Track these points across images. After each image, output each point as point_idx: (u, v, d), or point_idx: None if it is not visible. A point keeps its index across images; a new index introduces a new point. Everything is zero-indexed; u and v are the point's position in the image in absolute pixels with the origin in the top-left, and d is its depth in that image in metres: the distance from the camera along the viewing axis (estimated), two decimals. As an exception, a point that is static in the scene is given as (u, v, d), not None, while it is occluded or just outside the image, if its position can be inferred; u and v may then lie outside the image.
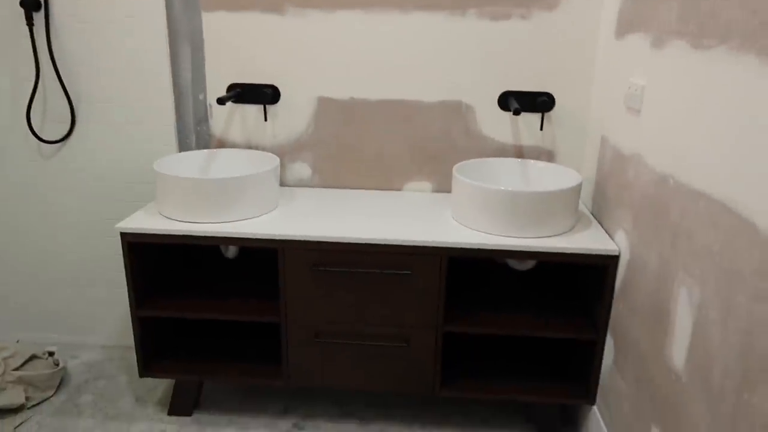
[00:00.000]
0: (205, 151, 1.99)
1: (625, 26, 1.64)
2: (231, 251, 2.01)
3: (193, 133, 2.06)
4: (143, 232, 1.69)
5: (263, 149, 2.06)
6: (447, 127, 2.00)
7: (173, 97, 2.00)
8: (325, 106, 2.00)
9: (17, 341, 2.21)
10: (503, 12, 1.86)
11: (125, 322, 2.28)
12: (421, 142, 2.02)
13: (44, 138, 2.04)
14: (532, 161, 1.93)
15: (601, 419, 1.70)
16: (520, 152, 2.01)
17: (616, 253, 1.59)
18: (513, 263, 1.93)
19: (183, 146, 2.07)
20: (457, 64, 1.93)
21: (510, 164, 1.94)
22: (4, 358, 1.96)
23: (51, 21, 1.92)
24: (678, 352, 1.22)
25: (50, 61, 1.95)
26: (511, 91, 1.94)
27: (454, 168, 1.77)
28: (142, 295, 1.81)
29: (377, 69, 1.95)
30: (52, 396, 2.02)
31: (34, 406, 1.97)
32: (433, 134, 2.01)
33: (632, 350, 1.49)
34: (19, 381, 1.94)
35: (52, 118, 2.04)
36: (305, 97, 1.99)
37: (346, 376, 1.82)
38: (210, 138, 2.07)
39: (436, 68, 1.94)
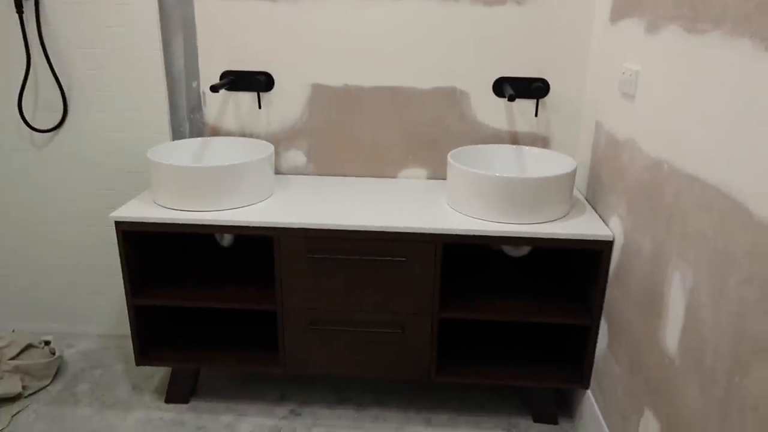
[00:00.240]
0: (199, 139, 1.99)
1: (619, 11, 1.63)
2: (226, 239, 2.01)
3: (187, 121, 2.05)
4: (138, 220, 1.69)
5: (257, 137, 2.05)
6: (442, 114, 1.99)
7: (166, 84, 1.99)
8: (319, 93, 1.99)
9: (13, 331, 2.21)
10: (498, -3, 1.85)
11: (121, 311, 2.28)
12: (416, 128, 2.01)
13: (36, 127, 2.03)
14: (526, 147, 1.93)
15: (595, 403, 1.72)
16: (515, 138, 2.01)
17: (611, 239, 1.60)
18: (508, 249, 1.94)
19: (177, 134, 2.06)
20: (452, 51, 1.92)
21: (505, 150, 1.94)
22: (0, 348, 1.96)
23: (41, 8, 1.90)
24: (671, 335, 1.23)
25: (41, 50, 1.93)
26: (505, 77, 1.94)
27: (449, 155, 1.77)
28: (138, 284, 1.81)
29: (371, 55, 1.94)
30: (48, 385, 2.03)
31: (31, 395, 1.97)
32: (428, 121, 2.00)
33: (626, 334, 1.50)
34: (16, 370, 1.94)
35: (44, 107, 2.03)
36: (299, 84, 1.98)
37: (342, 362, 1.83)
38: (204, 126, 2.06)
39: (431, 54, 1.93)
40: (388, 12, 1.89)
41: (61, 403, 1.95)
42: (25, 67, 1.95)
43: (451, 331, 2.01)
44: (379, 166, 2.07)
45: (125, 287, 1.77)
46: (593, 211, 1.78)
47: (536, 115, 1.97)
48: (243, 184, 1.73)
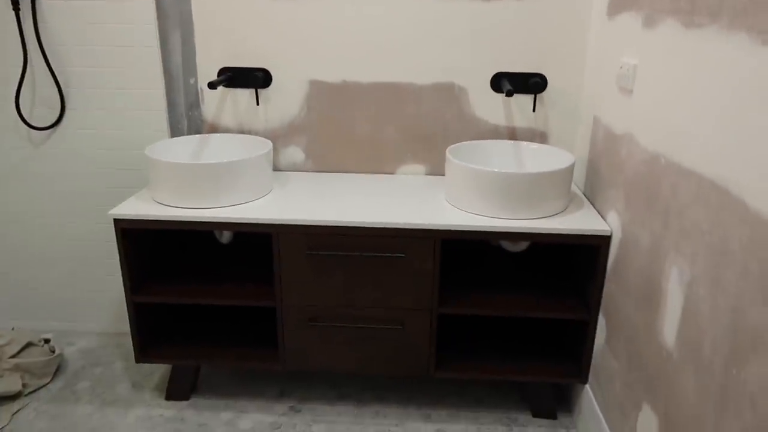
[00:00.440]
0: (197, 136, 1.99)
1: (616, 5, 1.63)
2: (225, 236, 2.01)
3: (185, 118, 2.05)
4: (137, 218, 1.69)
5: (256, 134, 2.05)
6: (440, 110, 1.99)
7: (164, 81, 1.99)
8: (317, 89, 1.99)
9: (13, 329, 2.21)
10: (495, -8, 1.85)
11: (120, 308, 2.28)
12: (414, 124, 2.01)
13: (34, 124, 2.03)
14: (525, 143, 1.93)
15: (593, 397, 1.72)
16: (513, 134, 2.01)
17: (608, 234, 1.61)
18: (506, 245, 1.94)
19: (175, 131, 2.06)
20: (450, 46, 1.92)
21: (503, 146, 1.94)
22: (0, 346, 1.96)
23: (37, 5, 1.90)
24: (669, 329, 1.24)
25: (38, 47, 1.92)
26: (503, 72, 1.94)
27: (448, 150, 1.77)
28: (137, 281, 1.81)
29: (369, 51, 1.94)
30: (49, 383, 2.03)
31: (31, 393, 1.98)
32: (426, 117, 2.00)
33: (624, 329, 1.50)
34: (16, 368, 1.95)
35: (41, 104, 2.02)
36: (297, 80, 1.98)
37: (341, 359, 1.83)
38: (202, 123, 2.06)
39: (429, 50, 1.93)
40: (385, 8, 1.88)
41: (62, 401, 1.95)
42: (22, 64, 1.95)
43: (450, 326, 2.02)
44: (377, 162, 2.07)
45: (125, 285, 1.77)
46: (591, 205, 1.78)
47: (534, 110, 1.98)
48: (242, 181, 1.73)
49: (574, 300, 1.78)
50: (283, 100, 2.01)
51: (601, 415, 1.65)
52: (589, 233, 1.61)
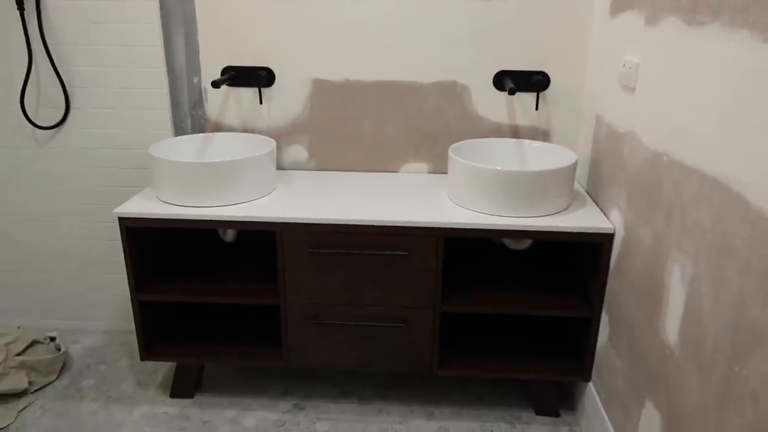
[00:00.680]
0: (201, 135, 1.99)
1: (619, 3, 1.63)
2: (229, 235, 2.02)
3: (189, 117, 2.06)
4: (141, 216, 1.70)
5: (259, 132, 2.06)
6: (442, 108, 2.00)
7: (167, 80, 2.00)
8: (320, 88, 2.00)
9: (18, 327, 2.23)
10: (497, -9, 1.85)
11: (125, 306, 2.29)
12: (417, 123, 2.02)
13: (39, 124, 2.04)
14: (527, 141, 1.93)
15: (596, 395, 1.73)
16: (515, 132, 2.01)
17: (611, 231, 1.61)
18: (509, 243, 1.95)
19: (178, 130, 2.07)
20: (452, 45, 1.92)
21: (506, 144, 1.94)
22: (6, 344, 1.97)
23: (42, 5, 1.91)
24: (671, 327, 1.24)
25: (42, 46, 1.93)
26: (506, 70, 1.94)
27: (450, 149, 1.77)
28: (142, 280, 1.82)
29: (372, 50, 1.94)
30: (54, 380, 2.04)
31: (37, 390, 1.99)
32: (429, 115, 2.01)
33: (626, 327, 1.51)
34: (22, 366, 1.96)
35: (46, 104, 2.03)
36: (300, 79, 1.99)
37: (344, 356, 1.84)
38: (205, 122, 2.07)
39: (431, 49, 1.93)
40: (388, 6, 1.89)
41: (67, 399, 1.96)
42: (26, 64, 1.96)
43: (452, 324, 2.02)
44: (380, 160, 2.08)
45: (129, 283, 1.78)
46: (594, 203, 1.78)
47: (537, 108, 1.98)
48: (245, 180, 1.74)
49: (577, 298, 1.78)
50: (286, 99, 2.02)
51: (604, 413, 1.65)
52: (591, 231, 1.62)
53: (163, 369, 2.11)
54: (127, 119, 2.04)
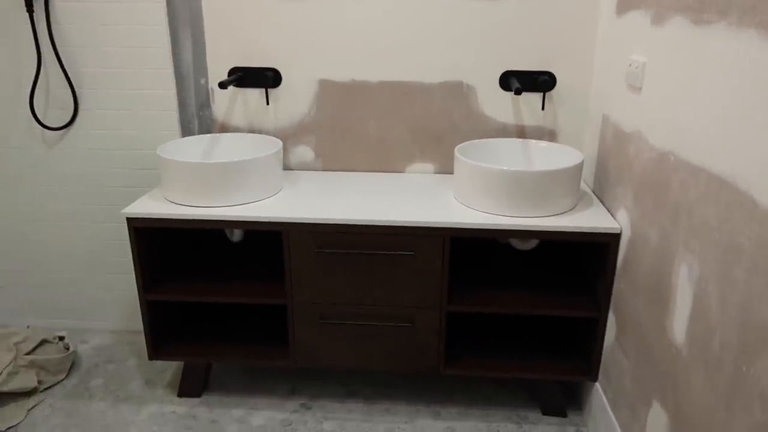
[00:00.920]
0: (208, 135, 2.01)
1: (625, 3, 1.63)
2: (236, 235, 2.03)
3: (196, 118, 2.07)
4: (149, 217, 1.71)
5: (266, 133, 2.06)
6: (448, 108, 2.00)
7: (175, 82, 2.01)
8: (326, 88, 2.00)
9: (28, 327, 2.24)
10: (503, -9, 1.86)
11: (133, 306, 2.31)
12: (423, 123, 2.02)
13: (48, 125, 2.06)
14: (533, 141, 1.93)
15: (603, 395, 1.72)
16: (521, 132, 2.01)
17: (618, 231, 1.60)
18: (515, 243, 1.95)
19: (186, 131, 2.08)
20: (458, 45, 1.92)
21: (512, 144, 1.94)
22: (16, 343, 1.99)
23: (51, 7, 1.92)
24: (678, 326, 1.24)
25: (51, 48, 1.95)
26: (512, 70, 1.94)
27: (456, 149, 1.78)
28: (150, 279, 1.83)
29: (378, 50, 1.95)
30: (63, 379, 2.06)
31: (46, 389, 2.00)
32: (435, 115, 2.01)
33: (633, 326, 1.50)
34: (31, 365, 1.97)
35: (54, 105, 2.05)
36: (306, 79, 1.99)
37: (351, 356, 1.84)
38: (212, 122, 2.08)
39: (437, 49, 1.93)
40: (394, 7, 1.89)
41: (76, 398, 1.98)
42: (36, 66, 1.98)
43: (459, 323, 2.02)
44: (386, 160, 2.08)
45: (137, 283, 1.79)
46: (600, 203, 1.78)
47: (543, 108, 1.98)
48: (252, 180, 1.74)
49: (584, 298, 1.78)
50: (293, 100, 2.02)
51: (611, 413, 1.65)
52: (598, 231, 1.61)
53: (170, 368, 2.12)
54: (135, 120, 2.06)
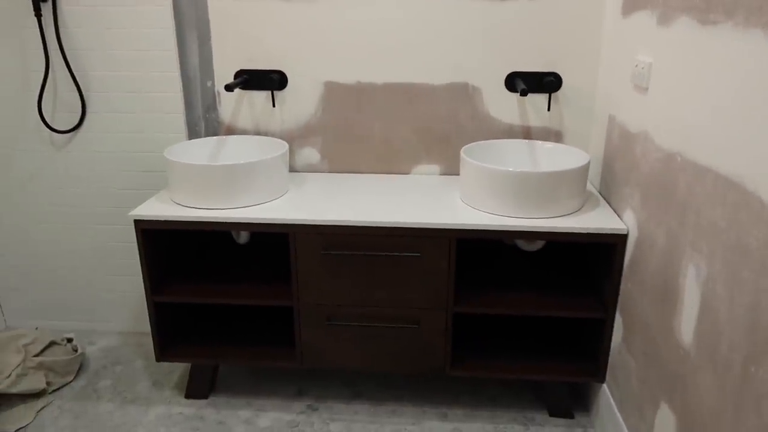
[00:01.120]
0: (214, 138, 2.01)
1: (631, 3, 1.62)
2: (242, 237, 2.04)
3: (202, 121, 2.08)
4: (156, 219, 1.72)
5: (272, 135, 2.07)
6: (454, 110, 2.00)
7: (181, 84, 2.02)
8: (331, 90, 2.01)
9: (36, 328, 2.26)
10: (509, -8, 1.86)
11: (140, 308, 2.32)
12: (429, 124, 2.02)
13: (55, 128, 2.07)
14: (539, 142, 1.93)
15: (610, 396, 1.72)
16: (527, 133, 2.01)
17: (625, 232, 1.60)
18: (522, 244, 1.94)
19: (192, 134, 2.09)
20: (464, 46, 1.92)
21: (518, 145, 1.94)
22: (25, 345, 2.00)
23: (59, 11, 1.94)
24: (686, 327, 1.23)
25: (59, 52, 1.96)
26: (517, 72, 1.94)
27: (462, 150, 1.78)
28: (157, 281, 1.84)
29: (383, 52, 1.95)
30: (71, 381, 2.07)
31: (54, 390, 2.02)
32: (441, 117, 2.01)
33: (641, 327, 1.50)
34: (40, 366, 1.99)
35: (62, 108, 2.07)
36: (312, 81, 2.00)
37: (357, 357, 1.84)
38: (219, 125, 2.09)
39: (442, 50, 1.93)
40: (399, 8, 1.90)
41: (84, 399, 1.99)
42: (44, 69, 1.99)
43: (465, 324, 2.02)
44: (392, 162, 2.08)
45: (145, 285, 1.80)
46: (607, 204, 1.77)
47: (549, 109, 1.97)
48: (258, 182, 1.75)
49: (591, 299, 1.78)
50: (299, 102, 2.03)
51: (618, 414, 1.65)
52: (605, 232, 1.61)
53: (178, 370, 2.13)
54: (142, 123, 2.07)
